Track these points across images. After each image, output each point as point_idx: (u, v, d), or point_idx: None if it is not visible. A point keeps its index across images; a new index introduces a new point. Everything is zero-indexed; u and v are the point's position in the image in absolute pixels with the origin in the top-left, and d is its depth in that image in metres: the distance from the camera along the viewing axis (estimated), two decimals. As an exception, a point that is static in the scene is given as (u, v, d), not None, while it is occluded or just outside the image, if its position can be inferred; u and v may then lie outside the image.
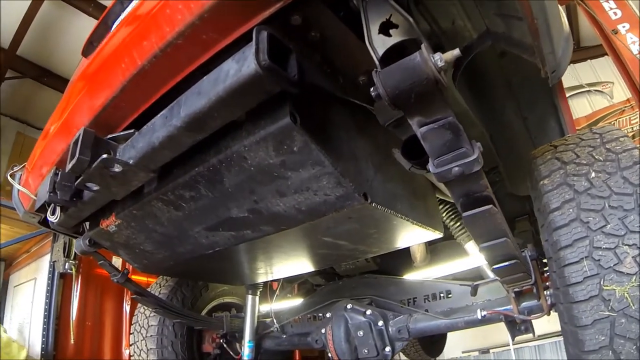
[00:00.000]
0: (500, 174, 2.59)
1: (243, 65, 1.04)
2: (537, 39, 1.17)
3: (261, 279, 2.79)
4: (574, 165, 1.62)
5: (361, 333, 2.61)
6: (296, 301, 3.53)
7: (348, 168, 1.40)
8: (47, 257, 6.54)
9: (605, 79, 11.01)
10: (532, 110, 2.52)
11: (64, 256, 4.37)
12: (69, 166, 1.52)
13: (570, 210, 1.51)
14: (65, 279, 6.40)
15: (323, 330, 2.80)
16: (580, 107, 10.71)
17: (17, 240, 6.81)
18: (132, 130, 1.57)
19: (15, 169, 2.56)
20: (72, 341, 5.44)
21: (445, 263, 3.17)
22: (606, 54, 7.03)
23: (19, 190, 2.31)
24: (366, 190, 1.45)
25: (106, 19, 2.16)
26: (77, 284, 6.18)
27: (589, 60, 11.65)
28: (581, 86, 10.42)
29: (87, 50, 2.21)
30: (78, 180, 1.55)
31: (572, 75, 10.39)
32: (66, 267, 5.48)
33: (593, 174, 1.55)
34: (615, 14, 5.66)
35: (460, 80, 1.93)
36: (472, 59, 1.99)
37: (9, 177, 2.53)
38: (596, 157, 1.60)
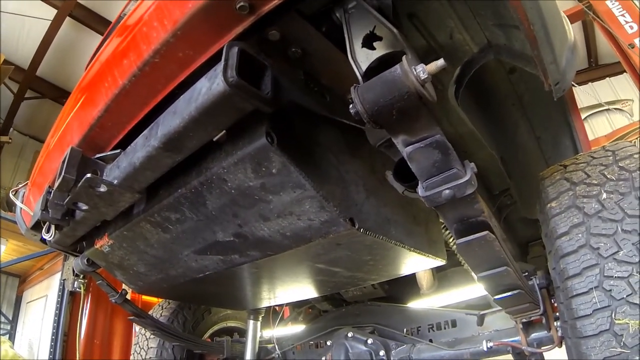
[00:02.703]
0: (512, 197, 2.48)
1: (213, 83, 0.99)
2: (536, 47, 1.08)
3: (261, 304, 2.71)
4: (584, 185, 1.50)
5: (361, 363, 2.51)
6: (299, 327, 3.44)
7: (333, 191, 1.32)
8: (59, 275, 6.59)
9: (625, 97, 10.77)
10: (546, 129, 2.41)
11: (73, 275, 4.38)
12: (55, 184, 1.51)
13: (579, 235, 1.39)
14: (75, 297, 6.42)
15: (323, 359, 2.70)
16: (599, 127, 10.46)
17: (27, 257, 6.87)
18: (118, 150, 1.54)
19: (19, 185, 2.57)
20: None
21: (454, 290, 3.04)
22: (625, 71, 6.87)
23: (21, 207, 2.31)
24: (353, 215, 1.36)
25: (107, 37, 2.16)
26: (87, 303, 6.18)
27: (607, 78, 11.45)
28: (600, 105, 10.20)
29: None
30: (67, 199, 1.52)
31: (591, 94, 10.18)
32: (75, 285, 5.49)
33: (604, 195, 1.41)
34: (631, 27, 5.53)
35: (468, 99, 1.84)
36: (480, 77, 1.91)
37: (11, 195, 2.54)
38: (608, 176, 1.47)
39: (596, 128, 10.27)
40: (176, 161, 1.29)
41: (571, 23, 1.65)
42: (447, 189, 1.09)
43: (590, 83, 11.33)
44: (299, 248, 1.48)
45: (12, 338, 7.51)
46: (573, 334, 1.37)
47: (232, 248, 1.60)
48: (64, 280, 6.09)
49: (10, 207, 8.14)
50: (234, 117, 1.08)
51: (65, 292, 6.29)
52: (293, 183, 1.23)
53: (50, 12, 8.98)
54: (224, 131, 1.19)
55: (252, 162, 1.20)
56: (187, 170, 1.39)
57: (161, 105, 1.31)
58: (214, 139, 1.22)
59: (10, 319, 8.00)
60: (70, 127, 1.69)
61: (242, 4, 0.98)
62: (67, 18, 9.13)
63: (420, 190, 1.13)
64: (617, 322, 1.23)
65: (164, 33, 1.11)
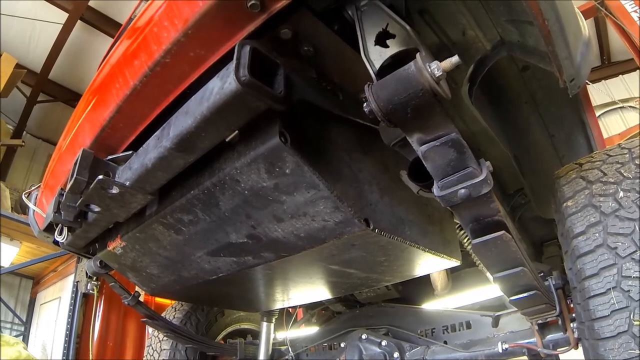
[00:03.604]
0: (526, 196, 2.45)
1: (225, 82, 0.98)
2: (551, 43, 1.06)
3: (275, 305, 2.70)
4: (601, 184, 1.46)
5: (375, 365, 2.49)
6: (313, 329, 3.43)
7: (347, 191, 1.31)
8: (72, 277, 6.64)
9: (638, 94, 10.62)
10: (559, 127, 2.37)
11: (86, 277, 4.41)
12: (68, 186, 1.51)
13: (596, 234, 1.36)
14: (88, 299, 6.46)
15: (337, 360, 2.69)
16: (613, 125, 10.34)
17: (41, 259, 6.92)
18: (130, 152, 1.54)
19: (32, 188, 2.60)
20: (91, 361, 5.42)
21: (469, 291, 3.01)
22: (638, 68, 6.78)
23: (34, 209, 2.33)
24: (368, 215, 1.35)
25: (118, 38, 2.16)
26: (100, 305, 6.22)
27: (620, 76, 11.30)
28: (613, 102, 10.07)
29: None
30: (79, 201, 1.52)
31: (604, 92, 10.06)
32: (88, 287, 5.54)
33: (621, 194, 1.38)
34: (644, 23, 5.46)
35: (480, 97, 1.82)
36: (493, 75, 1.89)
37: (24, 197, 2.57)
38: (625, 174, 1.43)
39: (609, 126, 10.15)
40: (188, 162, 1.28)
41: (583, 20, 1.63)
42: (463, 188, 1.08)
43: (603, 81, 11.18)
44: (313, 249, 1.47)
45: (25, 340, 7.57)
46: (590, 336, 1.34)
47: (246, 249, 1.59)
48: (77, 282, 6.14)
49: (24, 209, 8.24)
50: (247, 116, 1.07)
51: (79, 294, 6.34)
52: (307, 183, 1.22)
53: (60, 15, 9.06)
54: (237, 131, 1.19)
55: (266, 162, 1.19)
56: (200, 171, 1.38)
57: (173, 106, 1.30)
58: (227, 140, 1.21)
59: (24, 320, 8.07)
60: (82, 129, 1.69)
61: (253, 2, 0.97)
62: (78, 21, 9.21)
63: (435, 189, 1.12)
64: (635, 323, 1.20)
65: (174, 32, 1.10)
